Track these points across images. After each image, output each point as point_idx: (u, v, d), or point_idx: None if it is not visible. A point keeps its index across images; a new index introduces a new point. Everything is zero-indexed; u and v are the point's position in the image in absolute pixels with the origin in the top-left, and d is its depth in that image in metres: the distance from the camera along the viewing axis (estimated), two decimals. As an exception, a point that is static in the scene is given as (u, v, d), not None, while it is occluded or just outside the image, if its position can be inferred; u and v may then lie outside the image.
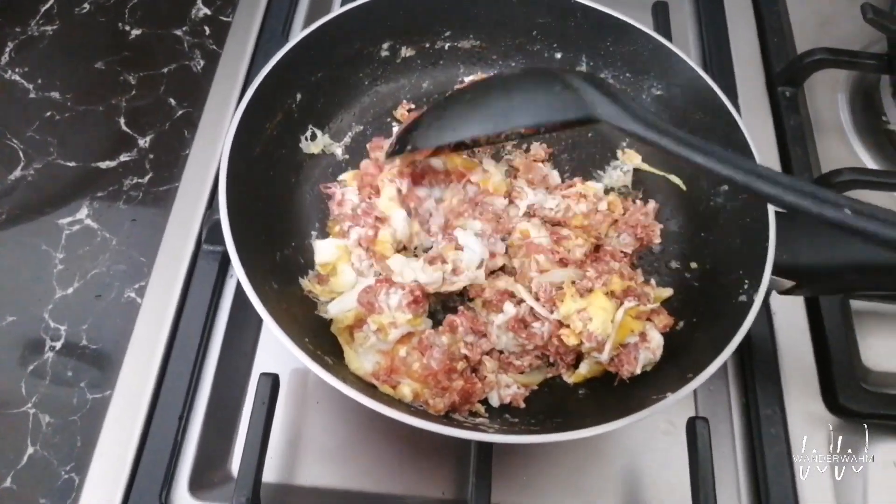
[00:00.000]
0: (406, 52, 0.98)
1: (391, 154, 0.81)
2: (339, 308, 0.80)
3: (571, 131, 0.99)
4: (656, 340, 0.76)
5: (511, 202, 0.89)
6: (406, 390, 0.74)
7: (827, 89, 1.17)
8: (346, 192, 0.86)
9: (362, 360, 0.77)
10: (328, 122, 0.95)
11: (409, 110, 0.98)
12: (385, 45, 0.97)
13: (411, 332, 0.77)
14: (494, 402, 0.78)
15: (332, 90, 0.94)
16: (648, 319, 0.78)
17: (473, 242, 0.82)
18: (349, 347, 0.78)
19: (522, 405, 0.78)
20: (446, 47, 1.00)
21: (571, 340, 0.75)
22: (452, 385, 0.73)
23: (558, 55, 0.99)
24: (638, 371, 0.74)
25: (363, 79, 0.97)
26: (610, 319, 0.74)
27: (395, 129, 0.96)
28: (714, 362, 0.67)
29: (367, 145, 0.91)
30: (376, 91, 0.99)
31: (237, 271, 0.69)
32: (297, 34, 0.86)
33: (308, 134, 0.92)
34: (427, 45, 0.99)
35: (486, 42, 1.00)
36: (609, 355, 0.74)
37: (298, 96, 0.89)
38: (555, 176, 0.94)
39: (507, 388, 0.78)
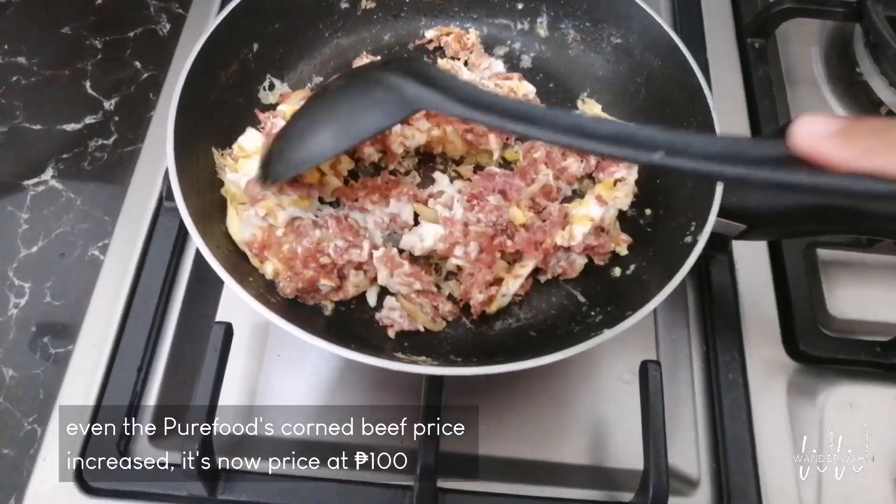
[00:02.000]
0: (366, 3, 0.97)
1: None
2: (234, 180, 0.81)
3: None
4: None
5: None
6: (269, 268, 0.77)
7: (802, 42, 1.16)
8: (276, 125, 0.85)
9: (243, 227, 0.78)
10: (287, 73, 0.94)
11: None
12: (345, -3, 0.96)
13: (298, 218, 0.79)
14: (372, 302, 0.82)
15: (290, 41, 0.93)
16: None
17: None
18: (234, 211, 0.80)
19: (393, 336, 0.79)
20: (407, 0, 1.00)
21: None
22: (303, 273, 0.76)
23: (520, 5, 0.99)
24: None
25: (323, 30, 0.96)
26: None
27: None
28: (652, 301, 0.67)
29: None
30: (337, 43, 0.98)
31: (184, 218, 0.70)
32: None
33: (266, 84, 0.92)
34: (388, -2, 0.99)
35: (448, -7, 1.00)
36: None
37: (255, 46, 0.88)
38: (499, 65, 0.94)
39: (392, 311, 0.79)
